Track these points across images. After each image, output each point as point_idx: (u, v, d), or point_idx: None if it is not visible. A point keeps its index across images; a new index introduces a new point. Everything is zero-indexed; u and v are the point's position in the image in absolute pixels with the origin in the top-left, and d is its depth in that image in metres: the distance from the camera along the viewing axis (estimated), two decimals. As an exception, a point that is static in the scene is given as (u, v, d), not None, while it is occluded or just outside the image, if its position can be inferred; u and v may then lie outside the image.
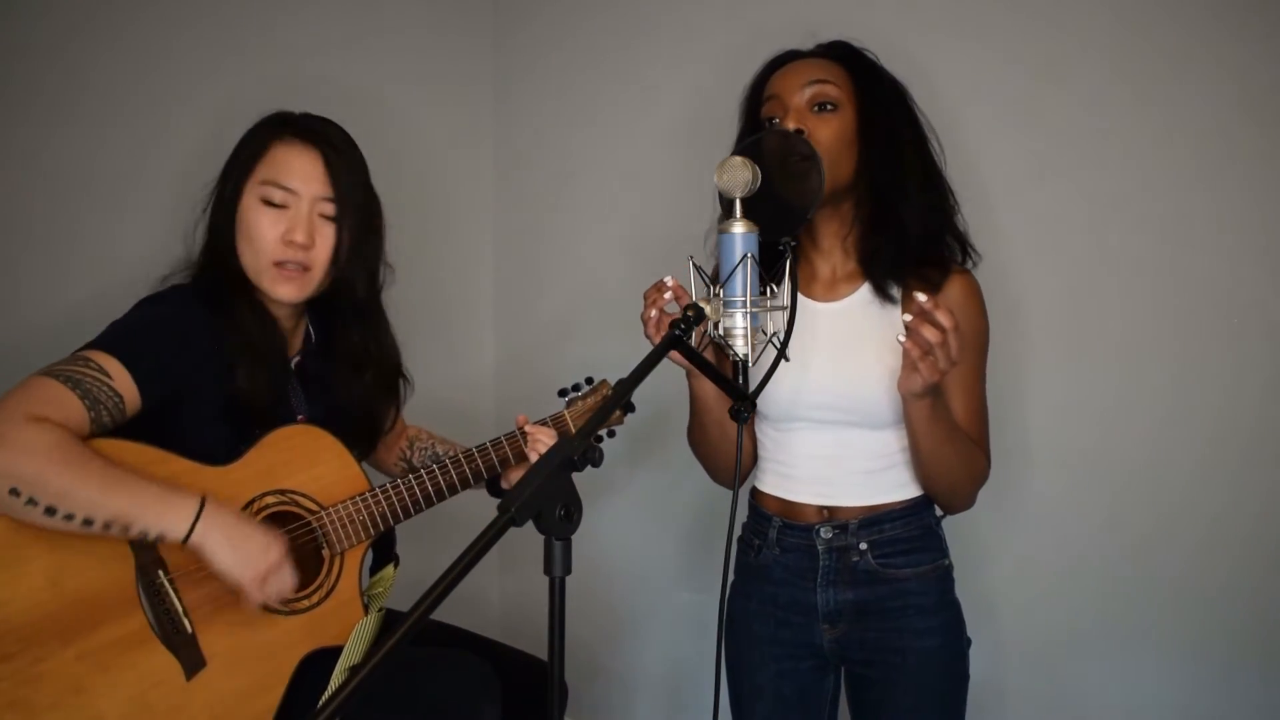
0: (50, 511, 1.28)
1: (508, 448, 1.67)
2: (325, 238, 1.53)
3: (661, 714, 2.35)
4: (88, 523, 1.30)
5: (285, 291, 1.51)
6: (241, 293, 1.52)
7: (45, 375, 1.34)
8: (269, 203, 1.50)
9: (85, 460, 1.30)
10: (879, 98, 1.46)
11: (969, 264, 1.51)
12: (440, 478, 1.63)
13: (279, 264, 1.50)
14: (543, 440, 1.65)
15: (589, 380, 1.82)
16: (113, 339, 1.40)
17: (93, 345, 1.40)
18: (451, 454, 1.66)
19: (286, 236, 1.49)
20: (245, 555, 1.37)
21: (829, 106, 1.43)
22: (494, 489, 1.75)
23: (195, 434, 1.45)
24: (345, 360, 1.65)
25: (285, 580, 1.42)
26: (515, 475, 1.70)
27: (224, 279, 1.52)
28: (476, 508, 1.72)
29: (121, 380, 1.37)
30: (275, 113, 1.57)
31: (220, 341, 1.47)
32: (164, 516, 1.33)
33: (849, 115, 1.44)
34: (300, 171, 1.51)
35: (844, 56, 1.49)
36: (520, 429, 1.68)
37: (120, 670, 1.35)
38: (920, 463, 1.43)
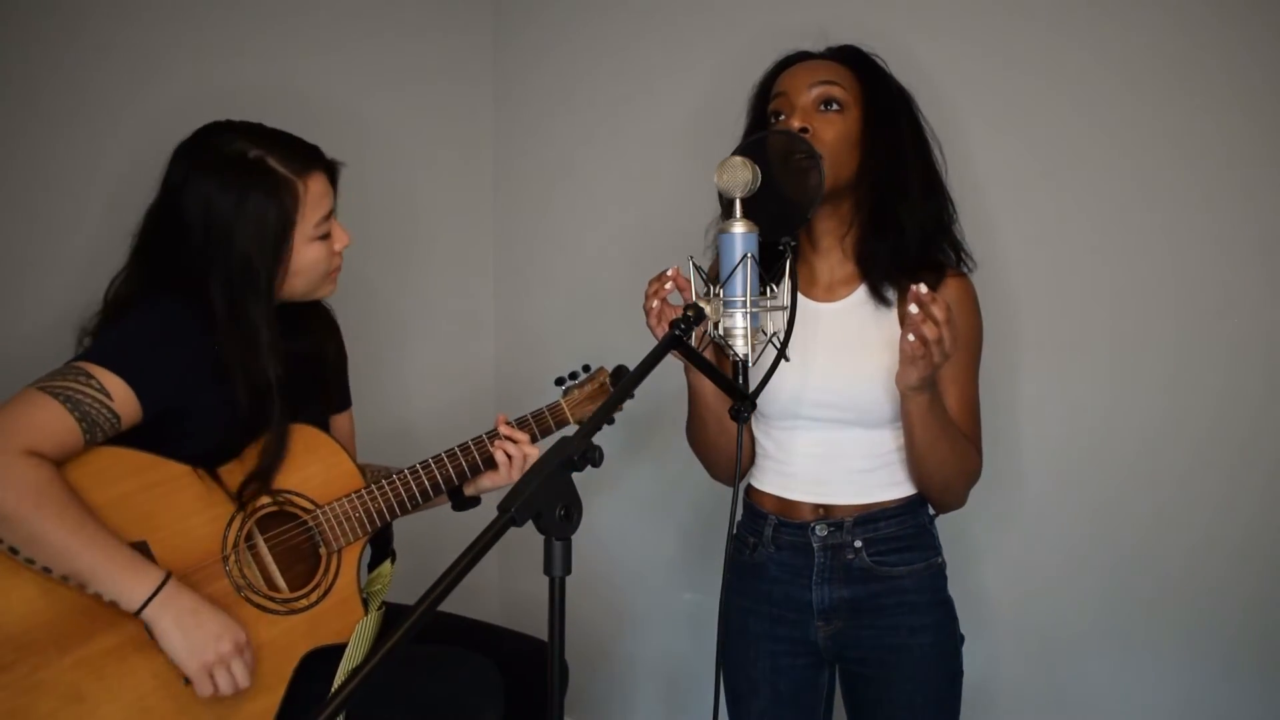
0: (13, 551, 1.29)
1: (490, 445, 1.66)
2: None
3: (661, 711, 2.36)
4: (47, 570, 1.30)
5: (332, 289, 1.59)
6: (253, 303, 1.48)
7: (43, 392, 1.31)
8: (322, 238, 1.51)
9: (61, 510, 1.29)
10: (885, 102, 1.47)
11: (964, 270, 1.51)
12: (436, 471, 1.62)
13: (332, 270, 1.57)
14: (513, 442, 1.63)
15: (586, 368, 1.80)
16: (114, 352, 1.38)
17: (93, 358, 1.37)
18: (449, 449, 1.64)
19: (337, 248, 1.55)
20: (194, 643, 1.35)
21: (834, 106, 1.44)
22: (457, 500, 1.72)
23: (192, 439, 1.44)
24: (310, 351, 1.64)
25: (239, 674, 1.38)
26: (484, 482, 1.68)
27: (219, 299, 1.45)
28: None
29: (121, 398, 1.35)
30: (257, 150, 1.47)
31: (213, 347, 1.44)
32: (120, 586, 1.32)
33: (854, 117, 1.45)
34: (326, 196, 1.52)
35: (852, 60, 1.49)
36: (496, 429, 1.66)
37: (119, 676, 1.34)
38: (915, 458, 1.44)
